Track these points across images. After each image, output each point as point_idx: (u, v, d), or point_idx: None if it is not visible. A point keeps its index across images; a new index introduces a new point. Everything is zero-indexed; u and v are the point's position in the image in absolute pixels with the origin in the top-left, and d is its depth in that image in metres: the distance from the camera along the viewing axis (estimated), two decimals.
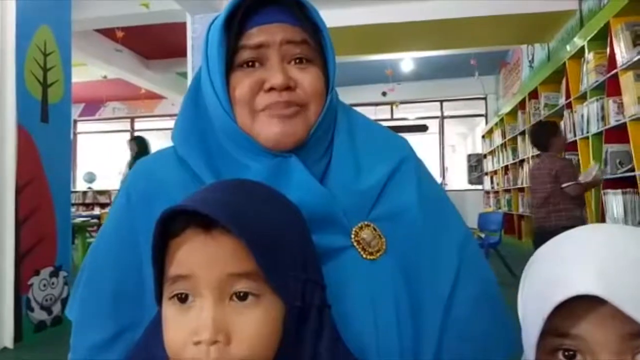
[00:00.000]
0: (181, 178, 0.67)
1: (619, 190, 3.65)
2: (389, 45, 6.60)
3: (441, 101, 10.45)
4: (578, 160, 4.50)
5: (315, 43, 0.66)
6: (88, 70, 7.76)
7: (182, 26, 4.74)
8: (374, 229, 0.65)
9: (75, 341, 0.67)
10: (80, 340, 0.66)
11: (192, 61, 4.55)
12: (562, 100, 5.12)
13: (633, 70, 3.49)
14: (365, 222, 0.65)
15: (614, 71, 3.73)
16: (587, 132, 4.29)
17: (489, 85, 9.69)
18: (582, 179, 3.28)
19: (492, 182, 9.24)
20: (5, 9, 2.87)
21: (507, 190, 7.87)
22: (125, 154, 5.60)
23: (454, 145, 13.88)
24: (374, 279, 0.63)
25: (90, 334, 0.65)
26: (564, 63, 4.90)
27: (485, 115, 10.29)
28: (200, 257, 0.48)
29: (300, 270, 0.51)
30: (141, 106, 10.77)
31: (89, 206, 9.80)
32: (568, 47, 4.86)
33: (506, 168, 7.87)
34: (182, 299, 0.48)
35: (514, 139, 7.34)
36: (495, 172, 8.88)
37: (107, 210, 7.37)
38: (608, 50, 3.91)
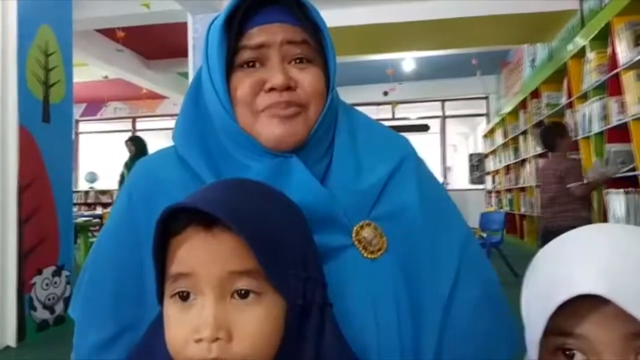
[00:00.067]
0: (182, 177, 0.67)
1: (621, 190, 3.64)
2: (390, 45, 6.60)
3: (442, 101, 10.44)
4: (579, 159, 4.50)
5: (316, 43, 0.66)
6: (89, 70, 7.77)
7: (183, 26, 4.74)
8: (375, 228, 0.65)
9: (77, 341, 0.67)
10: (82, 340, 0.66)
11: (193, 61, 4.56)
12: (564, 100, 5.12)
13: (634, 70, 3.49)
14: (366, 221, 0.65)
15: (616, 71, 3.72)
16: (589, 132, 4.29)
17: (491, 85, 9.68)
18: (590, 176, 3.29)
19: (493, 181, 9.24)
20: (6, 9, 2.87)
21: (509, 190, 7.87)
22: (127, 154, 5.60)
23: (455, 145, 13.88)
24: (375, 278, 0.63)
25: (92, 333, 0.65)
26: (566, 62, 4.89)
27: (487, 115, 10.28)
28: (201, 255, 0.48)
29: (301, 268, 0.51)
30: (142, 106, 10.79)
31: (90, 206, 9.82)
32: (569, 47, 4.85)
33: (508, 167, 7.87)
34: (184, 297, 0.49)
35: (515, 139, 7.34)
36: (496, 171, 8.88)
37: (109, 209, 7.39)
38: (609, 49, 3.91)
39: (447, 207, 0.73)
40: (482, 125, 10.61)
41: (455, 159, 12.89)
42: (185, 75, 7.75)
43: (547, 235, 3.06)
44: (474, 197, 9.62)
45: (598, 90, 4.16)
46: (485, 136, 9.76)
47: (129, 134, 7.22)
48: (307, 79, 0.64)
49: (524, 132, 6.76)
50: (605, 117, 4.00)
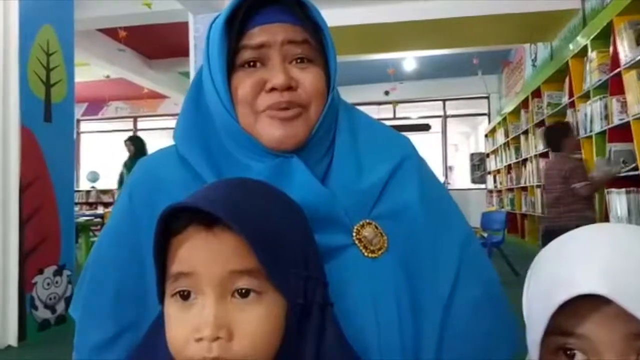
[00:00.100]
0: (183, 177, 0.67)
1: (623, 190, 3.64)
2: (392, 44, 6.60)
3: (444, 100, 10.43)
4: (581, 159, 4.49)
5: (317, 42, 0.66)
6: (91, 69, 7.79)
7: (184, 26, 4.75)
8: (376, 227, 0.65)
9: (78, 340, 0.67)
10: (83, 340, 0.67)
11: (195, 61, 4.56)
12: (565, 99, 5.11)
13: (636, 69, 3.48)
14: (367, 220, 0.65)
15: (617, 70, 3.72)
16: (591, 131, 4.28)
17: (492, 84, 9.67)
18: (595, 175, 3.28)
19: (495, 181, 9.23)
20: (8, 8, 2.88)
21: (510, 189, 7.86)
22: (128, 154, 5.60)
23: (456, 145, 13.88)
24: (376, 277, 0.63)
25: (93, 333, 0.65)
26: (567, 62, 4.89)
27: (488, 115, 10.28)
28: (202, 254, 0.48)
29: (302, 267, 0.51)
30: (144, 105, 10.80)
31: (92, 205, 9.83)
32: (571, 46, 4.84)
33: (509, 167, 7.86)
34: (184, 296, 0.49)
35: (516, 138, 7.33)
36: (498, 171, 8.87)
37: (110, 209, 7.38)
38: (611, 49, 3.90)
39: (448, 206, 0.73)
40: (484, 125, 10.60)
41: (457, 158, 12.89)
42: (187, 74, 7.76)
43: (551, 235, 3.05)
44: (475, 196, 9.62)
45: (600, 89, 4.15)
46: (487, 136, 9.75)
47: (130, 134, 7.21)
48: (308, 78, 0.64)
49: (526, 132, 6.75)
50: (606, 117, 3.99)
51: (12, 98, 2.87)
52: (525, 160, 6.84)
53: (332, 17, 5.14)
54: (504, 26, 5.89)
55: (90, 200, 10.11)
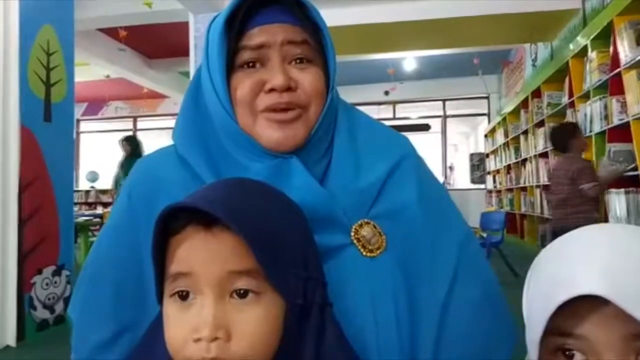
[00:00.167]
0: (182, 177, 0.67)
1: (622, 190, 3.64)
2: (392, 44, 6.60)
3: (444, 100, 10.43)
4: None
5: (316, 43, 0.66)
6: (91, 69, 7.78)
7: (184, 26, 4.75)
8: (374, 227, 0.65)
9: (76, 341, 0.67)
10: (82, 340, 0.67)
11: (195, 60, 4.56)
12: (565, 99, 5.11)
13: (636, 69, 3.48)
14: (365, 220, 0.65)
15: (617, 70, 3.71)
16: (590, 131, 4.28)
17: (492, 84, 9.67)
18: (601, 174, 3.26)
19: (494, 181, 9.23)
20: (8, 8, 2.87)
21: (510, 190, 7.86)
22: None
23: (456, 145, 13.88)
24: (374, 276, 0.63)
25: (92, 333, 0.65)
26: (567, 62, 4.89)
27: (488, 115, 10.28)
28: (201, 254, 0.48)
29: (301, 267, 0.51)
30: (144, 105, 10.80)
31: (91, 205, 9.82)
32: (571, 46, 4.84)
33: (509, 167, 7.86)
34: (183, 296, 0.49)
35: (516, 138, 7.33)
36: (497, 171, 8.87)
37: (109, 209, 7.38)
38: (611, 49, 3.90)
39: (446, 206, 0.73)
40: (483, 125, 10.60)
41: (456, 158, 12.88)
42: (187, 74, 7.76)
43: (559, 236, 3.04)
44: (475, 196, 9.61)
45: (599, 89, 4.15)
46: (486, 136, 9.75)
47: (129, 134, 7.21)
48: (307, 79, 0.64)
49: (525, 132, 6.75)
50: (606, 117, 3.99)
51: (12, 98, 2.86)
52: (524, 160, 6.84)
53: (332, 16, 5.14)
54: (504, 26, 5.89)
55: (90, 200, 10.11)
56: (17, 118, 2.85)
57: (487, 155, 9.79)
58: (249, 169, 0.64)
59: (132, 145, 5.48)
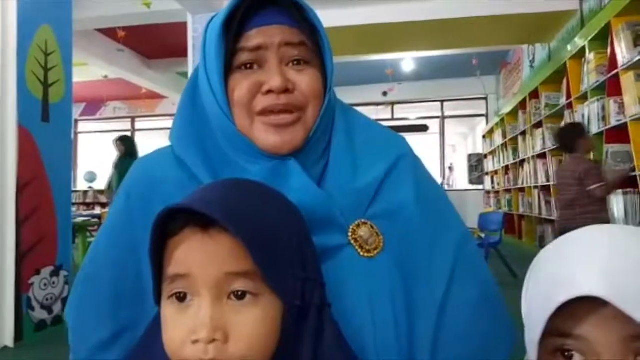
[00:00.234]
0: (179, 178, 0.67)
1: (620, 191, 3.64)
2: (390, 45, 6.60)
3: (442, 101, 10.44)
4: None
5: (313, 44, 0.66)
6: (89, 70, 7.77)
7: (183, 26, 4.74)
8: (372, 227, 0.65)
9: (75, 341, 0.67)
10: (81, 340, 0.66)
11: (193, 61, 4.56)
12: (563, 101, 5.12)
13: (634, 71, 3.49)
14: (363, 220, 0.65)
15: (615, 71, 3.73)
16: (588, 133, 4.29)
17: (490, 85, 9.69)
18: (609, 176, 3.26)
19: (492, 182, 9.24)
20: (6, 8, 2.87)
21: (508, 190, 7.87)
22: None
23: (454, 145, 13.88)
24: (372, 276, 0.63)
25: (91, 333, 0.65)
26: (565, 63, 4.90)
27: (486, 115, 10.29)
28: (198, 256, 0.48)
29: (299, 269, 0.51)
30: (142, 106, 10.78)
31: (89, 206, 9.80)
32: (569, 47, 4.86)
33: (507, 168, 7.87)
34: (181, 298, 0.49)
35: (514, 139, 7.34)
36: (495, 172, 8.88)
37: (107, 209, 7.37)
38: (609, 50, 3.91)
39: (444, 206, 0.73)
40: (482, 126, 10.61)
41: (455, 159, 12.88)
42: (185, 75, 7.74)
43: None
44: (473, 197, 9.62)
45: (597, 90, 4.16)
46: (485, 137, 9.76)
47: (124, 134, 7.19)
48: (304, 80, 0.64)
49: (523, 133, 6.77)
50: (604, 118, 4.00)
51: (9, 98, 2.86)
52: (522, 161, 6.85)
53: (330, 17, 5.15)
54: (502, 27, 5.90)
55: (88, 200, 10.08)
56: (14, 118, 2.84)
57: (485, 156, 9.80)
58: (247, 170, 0.64)
59: (126, 145, 5.45)
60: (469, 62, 7.73)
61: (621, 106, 3.73)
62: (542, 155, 5.85)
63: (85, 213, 7.34)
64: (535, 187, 6.18)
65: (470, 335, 0.64)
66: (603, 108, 4.02)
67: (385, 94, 9.39)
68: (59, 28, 3.17)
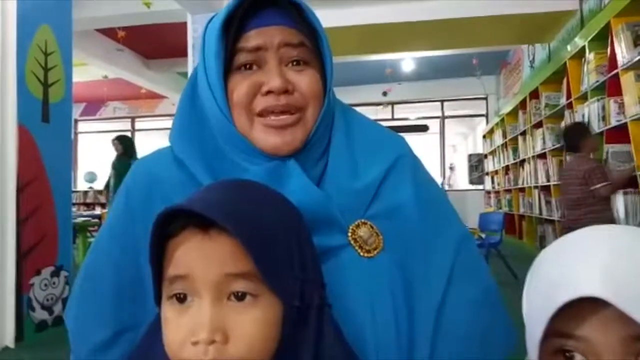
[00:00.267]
0: (179, 178, 0.67)
1: (620, 191, 3.64)
2: (390, 45, 6.60)
3: (442, 101, 10.44)
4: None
5: (313, 45, 0.66)
6: (89, 70, 7.77)
7: (182, 26, 4.74)
8: (371, 227, 0.65)
9: (75, 341, 0.67)
10: (81, 341, 0.66)
11: (193, 61, 4.56)
12: (563, 101, 5.12)
13: (634, 71, 3.49)
14: (362, 220, 0.65)
15: (615, 71, 3.72)
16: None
17: (490, 85, 9.68)
18: (615, 175, 3.26)
19: (492, 182, 9.24)
20: (6, 8, 2.87)
21: (508, 190, 7.87)
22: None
23: (454, 145, 13.89)
24: (372, 276, 0.63)
25: (91, 333, 0.65)
26: (565, 63, 4.90)
27: (486, 115, 10.29)
28: (198, 257, 0.48)
29: (299, 270, 0.51)
30: (142, 106, 10.79)
31: (89, 206, 9.80)
32: (569, 47, 4.86)
33: (507, 168, 7.87)
34: (181, 299, 0.49)
35: (514, 139, 7.34)
36: (496, 172, 8.88)
37: (107, 209, 7.37)
38: (609, 50, 3.91)
39: (443, 206, 0.73)
40: (482, 126, 10.61)
41: (455, 159, 12.88)
42: (185, 75, 7.75)
43: None
44: (473, 197, 9.62)
45: (597, 90, 4.16)
46: (485, 137, 9.76)
47: (122, 133, 7.19)
48: (304, 81, 0.64)
49: (523, 133, 6.77)
50: (604, 118, 4.00)
51: (9, 98, 2.86)
52: (523, 161, 6.85)
53: (330, 17, 5.15)
54: (502, 27, 5.90)
55: (88, 200, 10.08)
56: (14, 118, 2.85)
57: (486, 156, 9.80)
58: (246, 171, 0.64)
59: (123, 145, 5.44)
60: (469, 62, 7.73)
61: (621, 106, 3.72)
62: (542, 155, 5.85)
63: (85, 213, 7.34)
64: (536, 187, 6.18)
65: (469, 335, 0.64)
66: (603, 108, 4.02)
67: (385, 94, 9.39)
68: (59, 28, 3.17)
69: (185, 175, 0.66)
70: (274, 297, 0.49)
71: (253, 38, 0.63)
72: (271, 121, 0.63)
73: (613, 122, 3.81)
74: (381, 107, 10.02)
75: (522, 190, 6.98)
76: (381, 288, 0.62)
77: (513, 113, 7.40)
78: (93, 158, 11.35)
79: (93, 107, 11.15)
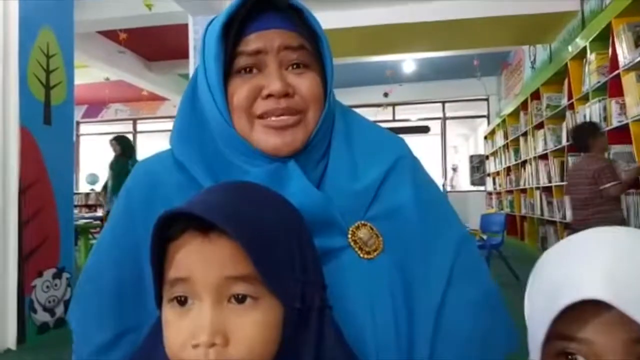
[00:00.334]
0: (179, 181, 0.67)
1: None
2: (391, 46, 6.60)
3: (443, 102, 10.44)
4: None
5: (313, 48, 0.66)
6: (90, 72, 7.79)
7: (184, 28, 4.75)
8: (371, 228, 0.65)
9: (77, 343, 0.67)
10: (83, 342, 0.67)
11: (194, 63, 4.57)
12: (564, 101, 5.12)
13: (635, 71, 3.48)
14: (362, 222, 0.65)
15: (616, 72, 3.72)
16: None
17: (491, 86, 9.68)
18: (624, 175, 3.23)
19: (494, 183, 9.24)
20: (8, 11, 2.88)
21: (510, 192, 7.87)
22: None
23: (456, 147, 13.88)
24: (372, 278, 0.63)
25: (93, 335, 0.65)
26: (566, 64, 4.89)
27: (487, 117, 10.29)
28: (198, 260, 0.48)
29: (300, 272, 0.51)
30: (143, 108, 10.80)
31: (91, 208, 9.82)
32: (570, 48, 4.85)
33: (508, 169, 7.87)
34: (181, 301, 0.49)
35: (516, 140, 7.34)
36: (497, 173, 8.88)
37: (105, 211, 7.37)
38: (610, 51, 3.90)
39: (443, 207, 0.73)
40: (483, 127, 10.61)
41: (456, 160, 12.88)
42: (186, 77, 7.77)
43: None
44: (475, 198, 9.62)
45: (599, 91, 4.16)
46: (486, 138, 9.76)
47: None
48: (304, 84, 0.64)
49: (525, 134, 6.76)
50: (605, 119, 4.00)
51: (11, 100, 2.87)
52: (524, 162, 6.84)
53: (331, 19, 5.16)
54: (503, 28, 5.90)
55: (90, 202, 10.10)
56: (17, 120, 2.85)
57: (487, 157, 9.80)
58: (247, 173, 0.64)
59: (121, 145, 5.44)
60: (470, 63, 7.73)
61: (623, 107, 3.72)
62: (543, 156, 5.85)
63: (87, 215, 7.35)
64: (537, 188, 6.17)
65: (469, 336, 0.64)
66: (604, 109, 4.02)
67: (386, 95, 9.40)
68: (61, 30, 3.18)
69: (185, 177, 0.67)
70: (275, 299, 0.49)
71: (253, 41, 0.63)
72: (271, 122, 0.64)
73: (615, 123, 3.81)
74: (382, 108, 10.02)
75: (523, 191, 6.97)
76: (381, 289, 0.62)
77: (514, 114, 7.40)
78: (95, 160, 11.36)
79: (95, 109, 11.17)
